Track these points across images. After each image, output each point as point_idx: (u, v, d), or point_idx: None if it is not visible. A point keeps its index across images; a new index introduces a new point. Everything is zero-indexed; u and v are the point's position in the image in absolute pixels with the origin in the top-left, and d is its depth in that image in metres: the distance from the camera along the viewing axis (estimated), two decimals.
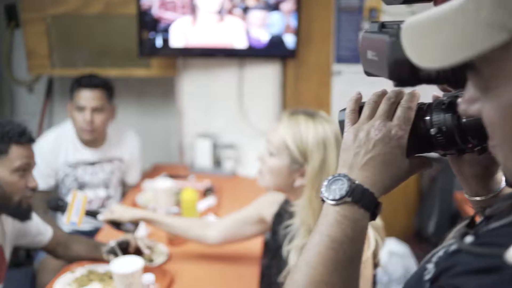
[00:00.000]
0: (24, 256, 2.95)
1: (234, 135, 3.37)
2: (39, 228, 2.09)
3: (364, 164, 0.80)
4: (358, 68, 3.23)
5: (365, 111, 0.84)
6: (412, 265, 2.83)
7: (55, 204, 1.98)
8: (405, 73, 0.71)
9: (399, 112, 0.81)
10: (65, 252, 2.16)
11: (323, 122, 1.71)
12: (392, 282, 2.80)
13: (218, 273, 2.08)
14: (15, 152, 1.76)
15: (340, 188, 0.78)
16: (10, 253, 1.99)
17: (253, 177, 3.21)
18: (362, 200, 0.78)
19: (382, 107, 0.83)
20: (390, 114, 0.81)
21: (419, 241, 3.26)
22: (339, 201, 0.78)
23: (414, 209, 3.41)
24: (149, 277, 1.61)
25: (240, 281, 2.03)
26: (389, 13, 3.08)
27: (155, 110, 3.69)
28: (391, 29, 0.75)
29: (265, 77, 3.27)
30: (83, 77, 2.75)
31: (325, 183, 0.80)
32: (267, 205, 1.97)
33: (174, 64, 3.32)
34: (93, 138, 2.77)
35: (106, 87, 2.76)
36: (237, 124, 3.35)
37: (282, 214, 1.86)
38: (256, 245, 2.26)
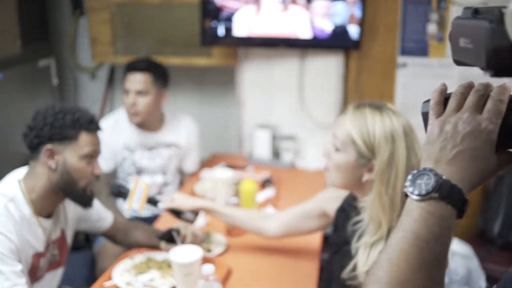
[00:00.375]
0: (83, 240, 3.00)
1: (294, 127, 3.32)
2: (100, 214, 2.11)
3: (452, 159, 0.76)
4: (424, 61, 3.13)
5: (452, 103, 0.79)
6: (475, 267, 2.71)
7: (117, 190, 2.00)
8: (505, 61, 0.65)
9: (489, 105, 0.76)
10: (124, 238, 2.18)
11: (391, 114, 1.63)
12: (454, 283, 2.69)
13: (276, 266, 2.05)
14: (84, 139, 1.79)
15: (426, 183, 0.75)
16: (71, 238, 2.02)
17: (312, 169, 3.17)
18: (450, 197, 0.74)
19: (471, 99, 0.77)
20: (479, 107, 0.77)
21: (483, 242, 3.12)
22: (425, 197, 0.74)
23: (478, 209, 3.26)
24: (209, 268, 1.59)
25: (298, 275, 1.99)
26: (460, 4, 2.94)
27: (215, 99, 3.68)
28: (488, 15, 0.68)
29: (327, 68, 3.20)
30: (133, 61, 2.78)
31: (410, 177, 0.77)
32: (330, 200, 1.91)
33: (235, 53, 3.29)
34: (139, 122, 2.76)
35: (153, 70, 2.74)
36: (297, 116, 3.30)
37: (347, 210, 1.80)
38: (315, 240, 2.21)
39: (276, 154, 3.29)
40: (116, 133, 2.79)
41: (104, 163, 2.66)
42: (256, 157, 3.26)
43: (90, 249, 2.95)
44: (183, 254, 1.78)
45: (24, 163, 2.95)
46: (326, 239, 2.02)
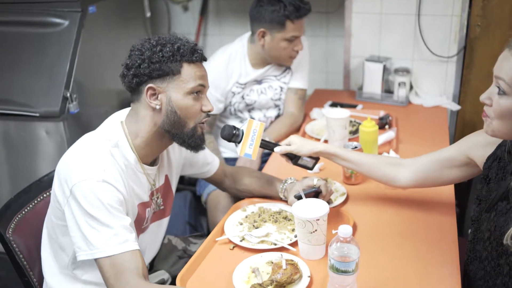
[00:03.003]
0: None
1: (408, 59, 2.96)
2: (206, 158, 1.90)
3: None
4: None
5: None
6: None
7: (229, 132, 1.72)
8: None
9: None
10: (233, 184, 1.98)
11: None
12: None
13: (405, 219, 1.79)
14: (188, 72, 1.54)
15: None
16: (176, 184, 1.84)
17: (430, 105, 2.82)
18: None
19: None
20: None
21: None
22: None
23: None
24: (347, 229, 1.32)
25: (434, 231, 1.71)
26: None
27: (318, 29, 3.34)
28: None
29: None
30: (298, 5, 2.40)
31: None
32: (478, 145, 1.59)
33: None
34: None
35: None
36: (412, 47, 2.93)
37: (503, 158, 1.47)
38: (448, 189, 1.91)
39: (388, 89, 2.95)
40: (229, 73, 2.52)
41: (213, 106, 2.45)
42: (365, 94, 2.94)
43: (189, 188, 2.82)
44: (307, 208, 1.55)
45: (121, 102, 2.84)
46: (474, 193, 1.70)
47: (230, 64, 2.49)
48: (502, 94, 1.33)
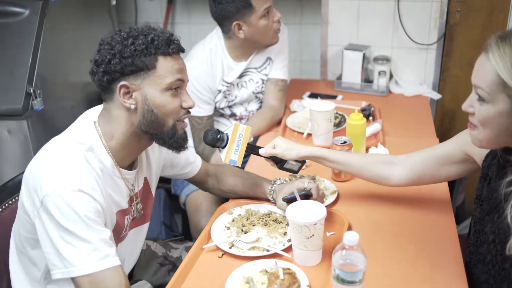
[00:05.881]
0: None
1: (387, 47, 2.87)
2: (188, 158, 1.77)
3: None
4: None
5: None
6: None
7: (213, 137, 1.58)
8: None
9: None
10: (216, 184, 1.85)
11: None
12: None
13: (400, 218, 1.70)
14: (164, 66, 1.39)
15: None
16: (155, 187, 1.70)
17: (411, 95, 2.75)
18: None
19: None
20: None
21: None
22: None
23: None
24: (353, 237, 1.20)
25: (432, 231, 1.63)
26: None
27: (292, 17, 3.21)
28: None
29: None
30: None
31: None
32: None
33: None
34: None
35: None
36: (391, 34, 2.84)
37: (501, 157, 1.38)
38: (443, 185, 1.83)
39: (367, 79, 2.86)
40: (213, 70, 2.35)
41: (204, 109, 2.32)
42: (345, 83, 2.84)
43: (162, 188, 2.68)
44: (302, 211, 1.43)
45: (88, 96, 2.66)
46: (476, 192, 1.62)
47: (213, 61, 2.33)
48: (482, 101, 1.24)
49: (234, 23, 2.23)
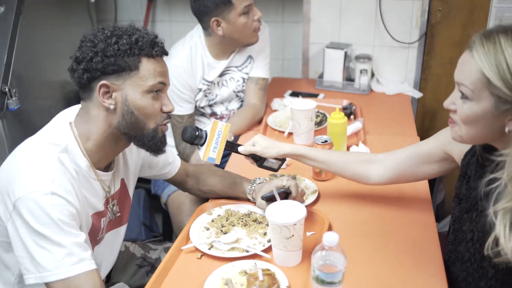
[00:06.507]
0: None
1: (369, 45, 2.87)
2: (167, 158, 1.74)
3: None
4: None
5: None
6: None
7: (192, 134, 1.57)
8: None
9: None
10: (196, 185, 1.82)
11: None
12: None
13: (381, 217, 1.69)
14: (147, 68, 1.36)
15: None
16: (133, 188, 1.67)
17: (392, 93, 2.75)
18: None
19: None
20: None
21: None
22: None
23: None
24: (332, 237, 1.19)
25: (412, 229, 1.62)
26: None
27: (273, 15, 3.19)
28: None
29: None
30: None
31: None
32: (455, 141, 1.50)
33: None
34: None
35: None
36: (373, 33, 2.84)
37: (480, 156, 1.38)
38: (423, 185, 1.82)
39: (349, 77, 2.85)
40: (193, 68, 2.32)
41: (185, 108, 2.30)
42: (326, 82, 2.82)
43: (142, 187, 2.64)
44: (282, 211, 1.41)
45: (65, 95, 2.61)
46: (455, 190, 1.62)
47: (193, 59, 2.30)
48: (465, 99, 1.23)
49: (213, 19, 2.21)
